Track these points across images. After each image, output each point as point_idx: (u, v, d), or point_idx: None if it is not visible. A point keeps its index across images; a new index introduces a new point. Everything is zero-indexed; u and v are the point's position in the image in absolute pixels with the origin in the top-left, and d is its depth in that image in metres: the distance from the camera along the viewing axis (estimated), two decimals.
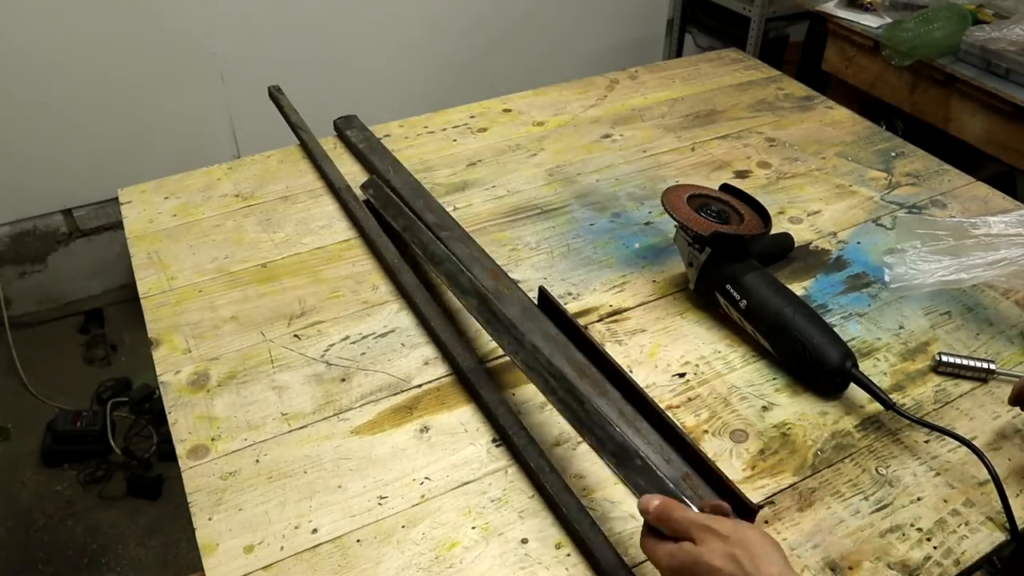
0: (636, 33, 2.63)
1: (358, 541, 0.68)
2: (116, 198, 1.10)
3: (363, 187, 1.08)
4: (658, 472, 0.63)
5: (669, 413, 0.75)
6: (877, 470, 0.74)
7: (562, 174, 1.17)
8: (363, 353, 0.86)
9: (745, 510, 0.64)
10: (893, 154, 1.23)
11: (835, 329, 0.83)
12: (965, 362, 0.84)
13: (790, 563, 0.54)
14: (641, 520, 0.59)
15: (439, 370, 0.84)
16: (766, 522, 0.68)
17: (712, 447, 0.76)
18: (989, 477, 0.70)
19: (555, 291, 0.95)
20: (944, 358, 0.84)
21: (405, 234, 0.97)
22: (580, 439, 0.74)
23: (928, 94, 1.81)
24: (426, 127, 1.28)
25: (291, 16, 2.06)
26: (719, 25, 2.53)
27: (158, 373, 0.83)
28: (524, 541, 0.68)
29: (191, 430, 0.77)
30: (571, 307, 0.92)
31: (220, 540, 0.67)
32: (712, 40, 2.61)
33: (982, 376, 0.83)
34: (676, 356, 0.86)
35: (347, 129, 1.22)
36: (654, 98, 1.38)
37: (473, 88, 1.99)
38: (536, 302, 0.87)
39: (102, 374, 2.02)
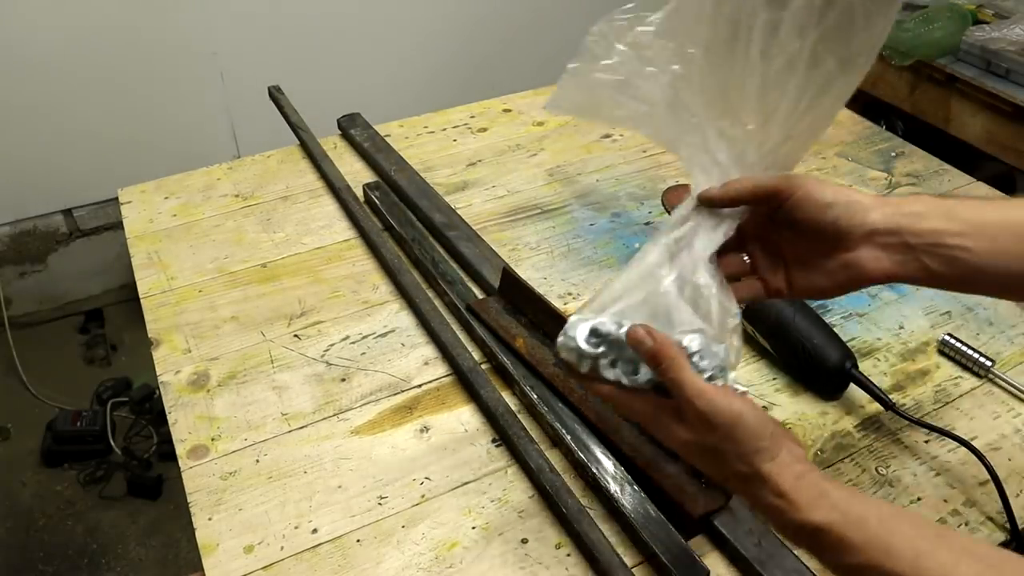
0: None
1: (358, 541, 0.68)
2: (116, 198, 1.10)
3: (367, 189, 1.08)
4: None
5: None
6: (877, 470, 0.74)
7: (562, 174, 1.17)
8: (363, 353, 0.86)
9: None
10: (893, 154, 1.23)
11: (835, 329, 0.83)
12: (967, 351, 0.84)
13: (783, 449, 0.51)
14: None
15: (439, 370, 0.84)
16: (766, 522, 0.68)
17: None
18: (989, 477, 0.70)
19: (555, 291, 0.95)
20: (948, 339, 0.85)
21: (414, 245, 0.97)
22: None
23: (928, 94, 1.81)
24: (426, 127, 1.28)
25: (291, 16, 2.06)
26: None
27: (158, 373, 0.84)
28: (524, 541, 0.68)
29: (191, 430, 0.77)
30: (572, 307, 0.92)
31: (220, 540, 0.67)
32: None
33: (980, 371, 0.84)
34: None
35: (351, 128, 1.22)
36: None
37: (473, 88, 1.99)
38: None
39: (102, 374, 2.01)
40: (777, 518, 0.51)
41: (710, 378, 0.53)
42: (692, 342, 0.53)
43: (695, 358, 0.53)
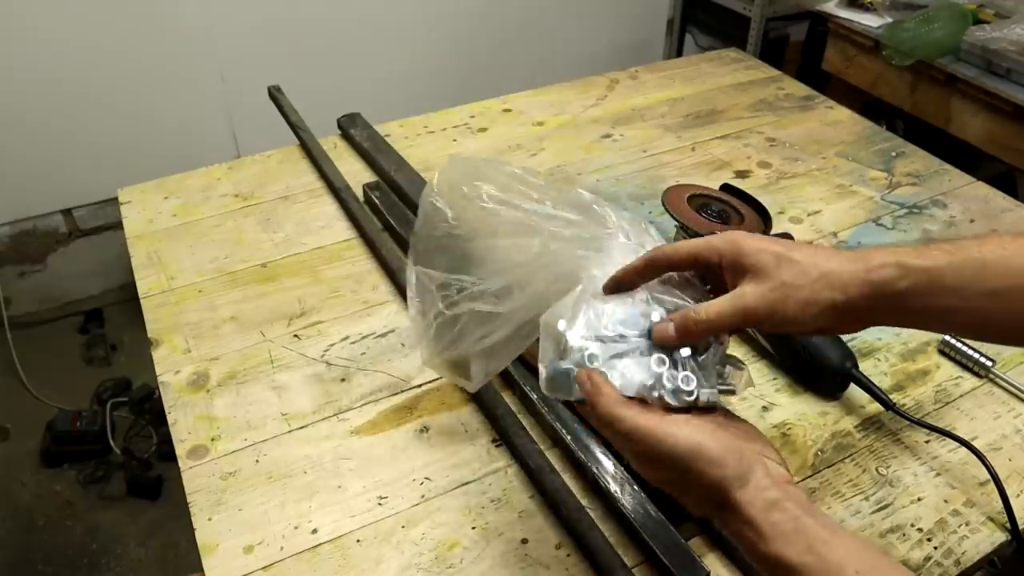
0: (636, 33, 2.63)
1: (358, 541, 0.68)
2: (116, 198, 1.10)
3: (367, 189, 1.08)
4: None
5: None
6: (877, 470, 0.74)
7: (562, 174, 1.17)
8: (363, 353, 0.86)
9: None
10: (893, 154, 1.23)
11: None
12: (967, 350, 0.84)
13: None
14: None
15: None
16: None
17: None
18: (989, 477, 0.70)
19: None
20: (949, 339, 0.85)
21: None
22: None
23: (929, 94, 1.81)
24: (426, 127, 1.28)
25: (291, 16, 2.06)
26: (719, 25, 2.53)
27: (158, 373, 0.83)
28: (524, 541, 0.68)
29: (191, 430, 0.77)
30: None
31: (220, 540, 0.67)
32: (712, 40, 2.60)
33: (981, 371, 0.83)
34: None
35: (351, 128, 1.22)
36: (654, 98, 1.37)
37: (473, 88, 1.99)
38: None
39: (102, 374, 2.01)
40: (747, 547, 0.47)
41: (687, 402, 0.50)
42: (661, 370, 0.50)
43: (664, 382, 0.50)
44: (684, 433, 0.47)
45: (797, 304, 0.49)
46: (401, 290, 0.93)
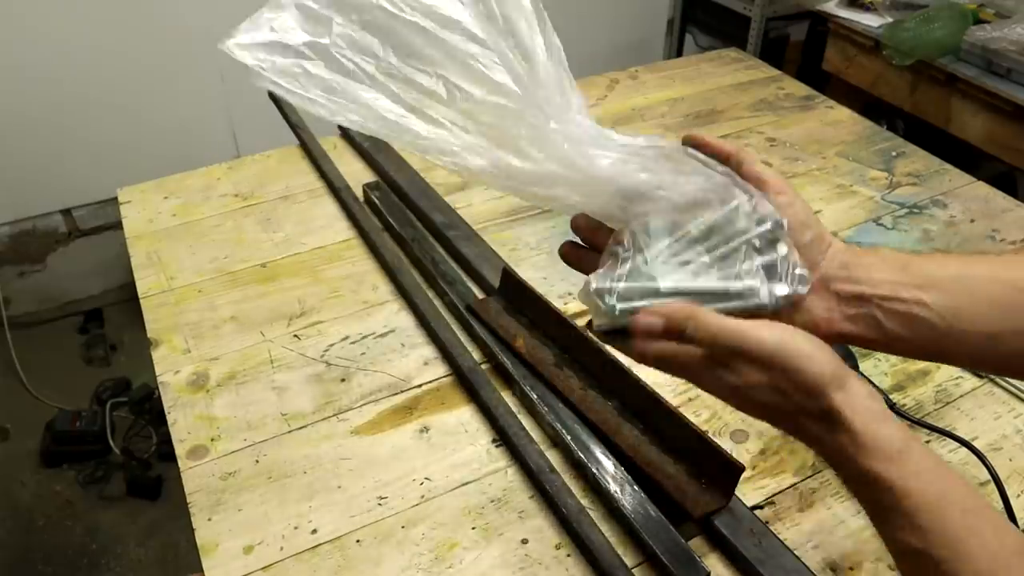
0: (636, 33, 2.63)
1: (358, 541, 0.67)
2: (116, 198, 1.10)
3: (367, 189, 1.08)
4: None
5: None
6: None
7: None
8: (363, 353, 0.86)
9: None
10: (894, 154, 1.23)
11: None
12: None
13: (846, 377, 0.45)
14: None
15: (439, 370, 0.84)
16: (767, 522, 0.68)
17: None
18: (990, 477, 0.70)
19: (555, 291, 0.94)
20: None
21: (414, 245, 0.97)
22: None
23: (929, 94, 1.81)
24: None
25: None
26: (719, 25, 2.53)
27: (157, 373, 0.83)
28: (524, 541, 0.68)
29: (191, 430, 0.77)
30: (571, 308, 0.92)
31: (220, 540, 0.67)
32: (712, 40, 2.60)
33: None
34: None
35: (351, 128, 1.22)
36: (654, 98, 1.37)
37: None
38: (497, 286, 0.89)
39: (102, 374, 2.01)
40: (841, 462, 0.44)
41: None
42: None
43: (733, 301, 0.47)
44: (768, 330, 0.44)
45: (803, 205, 0.49)
46: (401, 290, 0.93)
